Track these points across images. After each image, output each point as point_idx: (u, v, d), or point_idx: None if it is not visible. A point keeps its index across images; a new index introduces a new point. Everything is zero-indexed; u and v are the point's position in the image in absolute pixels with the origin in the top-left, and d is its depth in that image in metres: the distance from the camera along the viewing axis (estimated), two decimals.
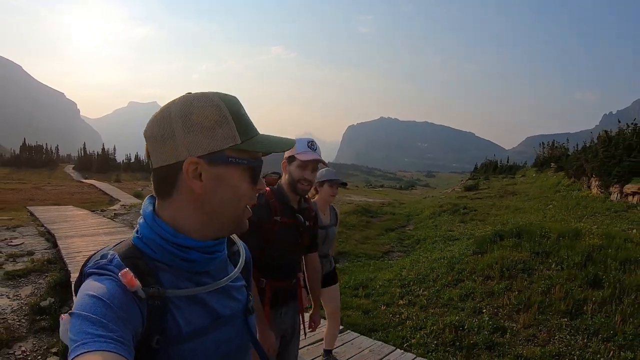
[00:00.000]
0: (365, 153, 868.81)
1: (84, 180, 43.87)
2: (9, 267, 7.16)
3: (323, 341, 3.95)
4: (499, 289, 6.15)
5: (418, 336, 5.07)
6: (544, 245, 7.28)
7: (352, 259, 10.59)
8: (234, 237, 1.02)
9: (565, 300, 5.54)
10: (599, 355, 4.40)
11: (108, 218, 13.86)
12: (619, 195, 16.12)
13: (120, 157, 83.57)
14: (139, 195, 24.52)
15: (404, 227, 17.36)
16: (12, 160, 73.43)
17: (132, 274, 0.72)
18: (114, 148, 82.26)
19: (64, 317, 0.71)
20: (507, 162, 43.52)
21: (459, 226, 15.22)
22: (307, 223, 2.36)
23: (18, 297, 5.93)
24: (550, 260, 6.78)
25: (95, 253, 0.82)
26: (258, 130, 0.86)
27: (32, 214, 14.09)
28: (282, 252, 2.23)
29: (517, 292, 5.97)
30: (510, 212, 17.50)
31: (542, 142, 36.45)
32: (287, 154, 2.24)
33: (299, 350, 3.67)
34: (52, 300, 5.68)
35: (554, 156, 30.22)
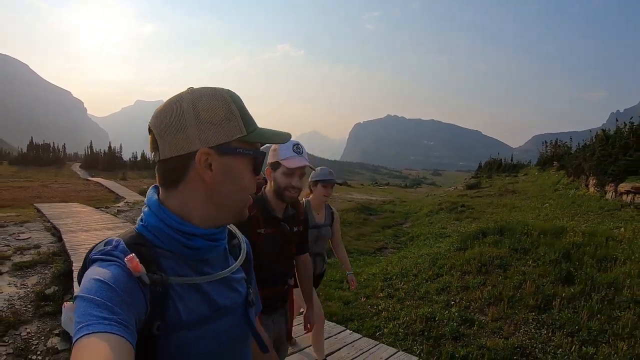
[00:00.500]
0: (372, 151, 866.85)
1: (91, 179, 43.81)
2: (17, 258, 7.65)
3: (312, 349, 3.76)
4: (474, 284, 6.39)
5: (390, 326, 5.33)
6: (524, 242, 7.52)
7: None
8: (235, 230, 1.06)
9: (535, 295, 5.73)
10: (560, 350, 4.54)
11: (111, 215, 14.34)
12: (613, 194, 16.23)
13: (126, 156, 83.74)
14: (144, 193, 24.14)
15: (401, 224, 17.65)
16: (19, 158, 73.79)
17: (137, 259, 0.74)
18: (121, 146, 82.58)
19: (67, 305, 0.73)
20: (511, 160, 43.33)
21: (454, 224, 15.49)
22: (295, 229, 2.28)
23: (25, 286, 6.40)
24: (527, 257, 7.00)
25: (99, 242, 0.83)
26: (259, 125, 0.92)
27: (38, 211, 14.53)
28: (268, 264, 2.12)
29: (490, 287, 6.19)
30: (507, 211, 17.71)
31: (545, 141, 36.37)
32: (270, 159, 2.13)
33: (293, 356, 3.82)
34: (56, 288, 6.15)
35: (557, 155, 30.24)
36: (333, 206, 3.66)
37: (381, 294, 6.60)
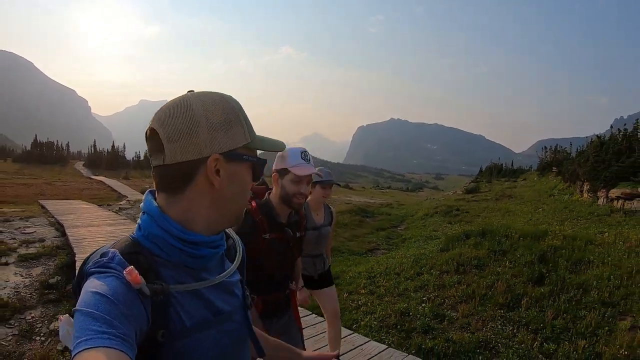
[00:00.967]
0: (375, 154, 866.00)
1: (94, 177, 43.84)
2: (23, 251, 8.09)
3: (328, 347, 3.83)
4: (450, 282, 6.67)
5: (367, 319, 5.64)
6: (503, 244, 7.78)
7: (335, 254, 11.04)
8: (230, 231, 1.06)
9: (505, 294, 5.99)
10: (523, 345, 4.76)
11: (113, 212, 14.79)
12: (605, 199, 16.41)
13: (129, 155, 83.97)
14: None
15: (396, 227, 17.84)
16: (23, 156, 74.12)
17: (136, 271, 0.73)
18: (124, 146, 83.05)
19: (63, 318, 0.74)
20: (512, 165, 43.13)
21: (446, 227, 15.75)
22: (298, 234, 2.31)
23: (30, 276, 6.84)
24: (505, 258, 7.23)
25: (93, 252, 0.83)
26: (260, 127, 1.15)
27: (43, 207, 14.97)
28: (271, 269, 2.17)
29: (465, 286, 6.45)
30: (500, 215, 17.91)
31: (545, 146, 36.51)
32: (278, 165, 2.14)
33: None
34: (59, 278, 6.60)
35: (556, 160, 30.36)
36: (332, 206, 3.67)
37: (363, 291, 6.91)
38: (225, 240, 0.95)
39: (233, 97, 0.89)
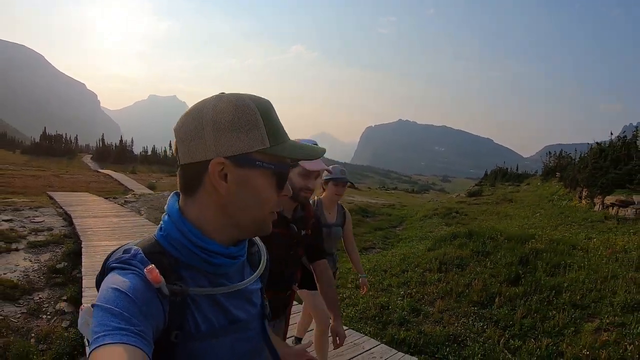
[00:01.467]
0: (382, 155, 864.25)
1: (101, 171, 43.75)
2: (32, 238, 8.61)
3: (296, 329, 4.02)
4: (431, 280, 7.00)
5: (349, 311, 5.97)
6: (487, 246, 8.09)
7: None
8: (256, 238, 1.02)
9: (481, 292, 6.27)
10: (490, 340, 5.00)
11: (119, 204, 15.29)
12: (601, 206, 16.51)
13: (137, 149, 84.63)
14: (152, 187, 25.34)
15: (394, 227, 18.03)
16: (32, 148, 74.91)
17: (157, 270, 0.73)
18: (132, 140, 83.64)
19: (84, 308, 0.74)
20: (517, 170, 43.13)
21: (442, 228, 15.97)
22: (303, 232, 2.25)
23: (38, 261, 7.34)
24: (487, 259, 7.52)
25: (117, 249, 0.83)
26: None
27: (51, 198, 15.48)
28: (274, 267, 2.14)
29: (445, 283, 6.77)
30: (498, 218, 18.13)
31: (549, 152, 36.47)
32: None
33: None
34: (66, 264, 7.12)
35: (560, 166, 30.22)
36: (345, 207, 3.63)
37: (350, 285, 7.23)
38: (246, 249, 0.93)
39: (262, 98, 0.85)
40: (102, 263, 0.82)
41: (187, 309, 0.79)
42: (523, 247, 7.97)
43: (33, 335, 4.97)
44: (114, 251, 0.83)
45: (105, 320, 0.65)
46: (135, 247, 0.80)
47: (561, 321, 5.33)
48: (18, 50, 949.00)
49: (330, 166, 3.30)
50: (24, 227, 9.48)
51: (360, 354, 4.10)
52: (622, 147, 19.43)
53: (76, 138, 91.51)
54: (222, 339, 0.84)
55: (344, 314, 5.91)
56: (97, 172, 42.58)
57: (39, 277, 6.58)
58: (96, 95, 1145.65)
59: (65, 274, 6.70)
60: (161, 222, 0.86)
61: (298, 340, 4.00)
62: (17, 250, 7.73)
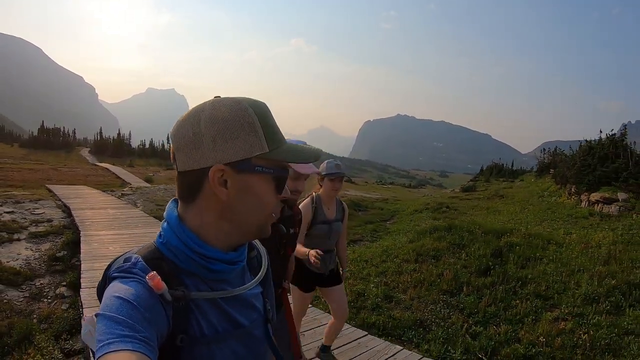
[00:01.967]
0: (381, 149, 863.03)
1: (99, 164, 44.43)
2: (33, 229, 9.09)
3: (323, 337, 3.96)
4: (407, 270, 7.29)
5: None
6: (464, 239, 8.42)
7: None
8: (256, 242, 1.02)
9: (451, 282, 6.54)
10: (454, 326, 5.25)
11: (116, 197, 15.77)
12: (586, 202, 16.81)
13: (135, 143, 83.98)
14: (149, 180, 25.74)
15: (385, 221, 18.20)
16: (30, 141, 74.18)
17: (159, 277, 0.73)
18: (130, 133, 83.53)
19: (87, 318, 0.75)
20: (512, 166, 43.34)
21: (429, 222, 15.91)
22: (291, 231, 2.30)
23: (39, 250, 7.81)
24: (462, 251, 7.82)
25: (118, 257, 0.83)
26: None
27: (50, 191, 15.90)
28: None
29: (419, 273, 7.06)
30: (486, 214, 18.40)
31: (544, 149, 36.54)
32: None
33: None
34: (65, 252, 7.60)
35: (554, 162, 30.03)
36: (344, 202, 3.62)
37: None
38: (246, 254, 0.93)
39: (258, 102, 0.84)
40: (102, 264, 1.03)
41: (191, 314, 0.80)
42: (498, 240, 8.28)
43: (35, 316, 5.42)
44: (114, 260, 0.83)
45: (110, 329, 0.65)
46: (136, 255, 0.81)
47: (522, 310, 5.62)
48: (16, 44, 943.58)
49: (325, 161, 3.32)
50: (25, 218, 9.94)
51: (363, 352, 4.23)
52: (610, 145, 19.66)
53: (74, 131, 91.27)
54: (226, 343, 0.85)
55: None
56: (95, 165, 42.74)
57: (40, 265, 7.05)
58: (94, 88, 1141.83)
59: (65, 262, 7.18)
60: (160, 229, 0.86)
61: (326, 348, 3.96)
62: (18, 240, 8.20)
